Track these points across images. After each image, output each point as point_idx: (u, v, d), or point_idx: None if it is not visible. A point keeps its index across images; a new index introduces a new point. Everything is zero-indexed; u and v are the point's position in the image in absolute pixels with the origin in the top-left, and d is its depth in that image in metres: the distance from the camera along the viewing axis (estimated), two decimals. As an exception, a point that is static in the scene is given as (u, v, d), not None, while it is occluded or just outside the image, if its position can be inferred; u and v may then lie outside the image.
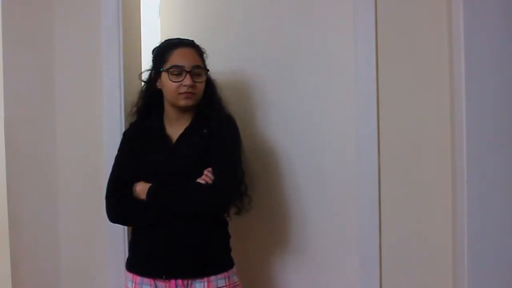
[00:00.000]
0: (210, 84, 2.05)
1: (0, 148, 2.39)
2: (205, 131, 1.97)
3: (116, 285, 2.27)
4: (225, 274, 1.95)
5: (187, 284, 1.91)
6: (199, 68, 1.98)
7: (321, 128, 2.27)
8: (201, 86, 1.99)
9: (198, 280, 1.91)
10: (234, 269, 2.00)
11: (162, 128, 2.04)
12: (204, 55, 2.04)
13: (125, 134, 2.12)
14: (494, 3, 1.89)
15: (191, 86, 1.96)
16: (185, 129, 2.01)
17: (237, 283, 1.99)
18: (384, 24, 2.10)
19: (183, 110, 2.01)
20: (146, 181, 1.95)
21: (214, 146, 1.94)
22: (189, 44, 2.03)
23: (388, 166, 2.12)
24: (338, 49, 2.26)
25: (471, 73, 1.88)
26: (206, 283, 1.91)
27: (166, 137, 2.02)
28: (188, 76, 1.95)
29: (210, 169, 1.91)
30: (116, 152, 2.07)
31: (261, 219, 2.34)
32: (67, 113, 2.34)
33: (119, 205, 1.98)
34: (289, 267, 2.33)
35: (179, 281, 1.90)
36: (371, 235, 2.12)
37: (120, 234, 2.29)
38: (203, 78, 2.00)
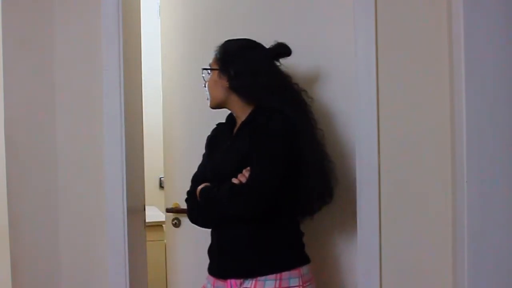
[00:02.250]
0: (243, 76, 1.93)
1: (0, 148, 2.39)
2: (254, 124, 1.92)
3: (116, 285, 2.27)
4: (277, 275, 1.85)
5: (240, 284, 1.91)
6: (203, 69, 2.01)
7: (320, 128, 2.27)
8: (208, 86, 2.00)
9: (249, 280, 1.89)
10: (296, 271, 1.88)
11: (231, 127, 2.04)
12: (223, 52, 1.99)
13: (207, 138, 2.13)
14: (494, 3, 1.89)
15: (205, 87, 2.00)
16: (240, 124, 1.98)
17: (294, 286, 1.86)
18: (384, 24, 2.10)
19: (230, 109, 2.02)
20: (210, 181, 1.95)
21: (254, 141, 1.86)
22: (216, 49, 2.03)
23: (388, 166, 2.12)
24: (338, 49, 2.26)
25: (471, 73, 1.88)
26: (253, 283, 1.87)
27: (230, 135, 2.02)
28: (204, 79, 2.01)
29: (248, 168, 1.84)
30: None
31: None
32: (67, 113, 2.33)
33: (189, 208, 2.04)
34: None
35: (233, 281, 1.91)
36: (371, 235, 2.12)
37: (120, 234, 2.29)
38: (210, 78, 1.99)
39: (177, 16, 2.62)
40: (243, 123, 1.96)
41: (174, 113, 2.61)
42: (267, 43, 2.34)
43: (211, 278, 2.00)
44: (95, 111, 2.31)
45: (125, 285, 2.30)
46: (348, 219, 2.22)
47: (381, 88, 2.11)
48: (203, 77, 2.03)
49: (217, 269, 1.98)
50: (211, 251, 2.02)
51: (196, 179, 2.03)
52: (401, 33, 2.11)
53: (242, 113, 1.98)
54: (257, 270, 1.88)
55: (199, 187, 1.95)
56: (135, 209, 2.42)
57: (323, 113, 2.27)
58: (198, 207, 1.97)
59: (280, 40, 2.08)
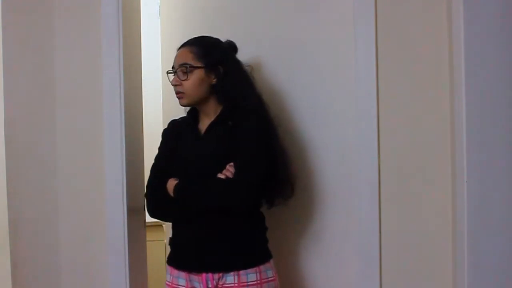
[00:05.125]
0: (229, 76, 1.99)
1: (0, 148, 2.39)
2: (230, 123, 1.95)
3: (116, 285, 2.27)
4: (256, 268, 1.93)
5: (219, 278, 1.92)
6: (184, 66, 1.96)
7: (320, 128, 2.27)
8: (188, 84, 1.96)
9: (229, 274, 1.91)
10: (269, 264, 1.97)
11: (194, 123, 2.05)
12: (207, 49, 1.99)
13: (163, 132, 2.14)
14: (494, 3, 1.89)
15: (177, 85, 1.97)
16: (211, 123, 2.00)
17: (271, 278, 1.96)
18: (384, 24, 2.10)
19: (201, 107, 2.02)
20: (177, 176, 1.96)
21: (236, 139, 1.92)
22: (187, 43, 2.02)
23: (388, 166, 2.12)
24: (338, 49, 2.26)
25: (471, 73, 1.88)
26: (236, 277, 1.90)
27: (196, 133, 2.03)
28: (175, 77, 1.98)
29: (232, 163, 1.90)
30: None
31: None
32: (67, 113, 2.33)
33: (154, 202, 2.02)
34: (287, 268, 2.33)
35: (210, 275, 1.92)
36: (371, 235, 2.12)
37: (120, 234, 2.29)
38: (191, 76, 1.95)
39: (177, 16, 2.62)
40: (215, 122, 1.99)
41: (174, 113, 2.60)
42: (267, 42, 2.35)
43: (183, 273, 1.97)
44: (95, 111, 2.31)
45: (125, 285, 2.30)
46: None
47: (381, 88, 2.11)
48: (176, 73, 1.97)
49: (194, 263, 1.95)
50: (180, 245, 2.01)
51: (159, 172, 2.02)
52: (401, 33, 2.11)
53: (213, 112, 2.00)
54: (241, 264, 1.92)
55: (171, 183, 1.93)
56: (135, 209, 2.42)
57: (322, 113, 2.27)
58: (168, 202, 1.95)
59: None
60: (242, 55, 2.10)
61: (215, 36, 2.06)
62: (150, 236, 2.80)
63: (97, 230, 2.31)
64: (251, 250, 1.96)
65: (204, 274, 1.93)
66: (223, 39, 2.06)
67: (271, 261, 2.00)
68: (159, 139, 2.59)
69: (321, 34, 2.29)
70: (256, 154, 1.91)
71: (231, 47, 2.07)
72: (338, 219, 2.26)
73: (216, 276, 1.92)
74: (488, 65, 1.88)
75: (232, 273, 1.91)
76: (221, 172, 1.90)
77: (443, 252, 2.07)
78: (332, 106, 2.26)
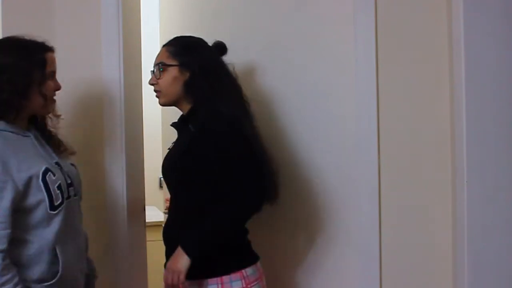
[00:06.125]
0: (202, 76, 1.90)
1: None
2: (190, 127, 1.88)
3: (116, 285, 2.27)
4: (218, 279, 1.80)
5: (189, 285, 1.83)
6: (158, 64, 1.94)
7: (320, 128, 2.27)
8: (163, 83, 1.92)
9: (191, 282, 1.82)
10: (236, 275, 1.81)
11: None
12: (183, 48, 1.95)
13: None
14: (494, 3, 1.89)
15: (154, 84, 1.95)
16: (177, 127, 1.99)
17: None
18: (384, 24, 2.10)
19: (179, 107, 1.98)
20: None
21: (200, 152, 1.82)
22: (166, 43, 2.00)
23: (388, 166, 2.12)
24: (338, 49, 2.26)
25: (471, 73, 1.88)
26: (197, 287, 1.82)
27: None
28: (152, 76, 1.95)
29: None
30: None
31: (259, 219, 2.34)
32: (67, 113, 2.33)
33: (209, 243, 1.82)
34: (287, 268, 2.33)
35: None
36: (371, 235, 2.12)
37: (120, 234, 2.29)
38: (165, 74, 1.92)
39: (176, 16, 2.62)
40: (176, 125, 1.97)
41: (174, 113, 2.60)
42: (267, 42, 2.34)
43: None
44: (95, 111, 2.31)
45: (125, 285, 2.30)
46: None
47: (381, 88, 2.11)
48: (153, 73, 1.94)
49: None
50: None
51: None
52: (401, 33, 2.11)
53: (185, 110, 1.96)
54: (199, 273, 1.80)
55: (188, 245, 1.77)
56: (135, 209, 2.42)
57: (322, 112, 2.27)
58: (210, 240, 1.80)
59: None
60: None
61: (213, 36, 2.05)
62: (150, 236, 2.80)
63: (98, 230, 2.31)
64: (212, 260, 1.81)
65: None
66: (222, 38, 2.05)
67: (244, 270, 1.83)
68: (159, 139, 2.59)
69: (321, 34, 2.29)
70: (237, 163, 1.79)
71: (217, 48, 2.01)
72: (338, 219, 2.26)
73: (192, 282, 1.82)
74: (488, 65, 1.88)
75: (193, 282, 1.81)
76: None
77: (443, 252, 2.07)
78: (331, 106, 2.26)
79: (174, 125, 2.02)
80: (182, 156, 1.88)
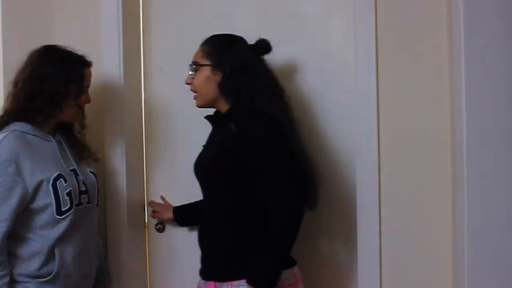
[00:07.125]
0: (238, 75, 1.86)
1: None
2: (232, 126, 1.82)
3: (116, 285, 2.27)
4: (230, 283, 1.80)
5: (218, 287, 1.85)
6: (192, 65, 1.93)
7: (320, 128, 2.27)
8: (197, 83, 1.91)
9: (223, 284, 1.82)
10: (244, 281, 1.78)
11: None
12: (217, 47, 1.92)
13: None
14: (494, 3, 1.89)
15: (189, 84, 1.94)
16: (213, 127, 1.97)
17: None
18: (384, 24, 2.10)
19: (216, 108, 1.95)
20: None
21: (244, 154, 1.78)
22: (202, 42, 1.96)
23: (388, 166, 2.12)
24: (338, 49, 2.26)
25: (471, 73, 1.88)
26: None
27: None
28: (188, 76, 1.94)
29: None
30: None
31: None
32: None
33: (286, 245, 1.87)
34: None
35: (212, 283, 1.86)
36: (371, 235, 2.12)
37: (120, 234, 2.29)
38: (198, 74, 1.90)
39: (176, 16, 2.61)
40: (216, 125, 1.94)
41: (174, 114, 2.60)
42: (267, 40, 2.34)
43: (200, 280, 1.95)
44: (95, 111, 2.31)
45: (126, 285, 2.30)
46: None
47: (381, 88, 2.11)
48: (190, 74, 1.93)
49: (201, 268, 1.94)
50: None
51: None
52: (401, 33, 2.11)
53: (224, 110, 1.92)
54: (218, 276, 1.83)
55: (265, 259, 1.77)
56: (135, 209, 2.42)
57: (322, 113, 2.27)
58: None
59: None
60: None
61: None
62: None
63: (97, 230, 2.31)
64: (227, 263, 1.85)
65: (209, 282, 1.88)
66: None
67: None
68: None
69: (320, 34, 2.29)
70: (283, 167, 1.78)
71: (258, 46, 1.95)
72: (338, 219, 2.26)
73: (217, 284, 1.84)
74: (488, 65, 1.88)
75: (225, 283, 1.82)
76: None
77: (443, 252, 2.07)
78: (331, 106, 2.26)
79: (209, 118, 1.97)
80: (222, 154, 1.85)
